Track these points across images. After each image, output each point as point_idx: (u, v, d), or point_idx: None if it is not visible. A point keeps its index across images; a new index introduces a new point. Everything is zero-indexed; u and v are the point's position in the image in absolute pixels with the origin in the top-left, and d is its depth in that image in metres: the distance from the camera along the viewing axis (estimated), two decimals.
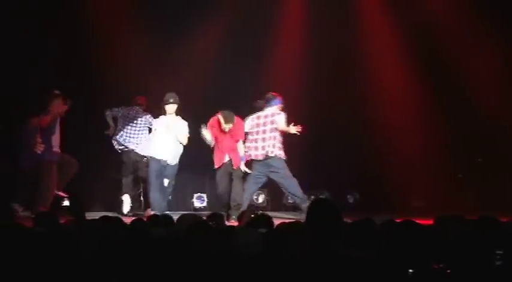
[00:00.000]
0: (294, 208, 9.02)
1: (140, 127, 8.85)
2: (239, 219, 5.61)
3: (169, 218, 5.03)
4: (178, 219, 4.69)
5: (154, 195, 8.25)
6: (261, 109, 8.46)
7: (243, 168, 8.33)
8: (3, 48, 8.89)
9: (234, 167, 8.31)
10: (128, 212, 8.67)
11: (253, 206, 9.25)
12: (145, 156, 8.62)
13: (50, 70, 9.13)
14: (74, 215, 5.62)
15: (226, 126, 8.16)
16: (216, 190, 8.48)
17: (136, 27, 9.67)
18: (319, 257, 3.09)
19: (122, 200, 8.77)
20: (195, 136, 8.52)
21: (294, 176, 8.37)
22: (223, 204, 8.34)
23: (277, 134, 8.31)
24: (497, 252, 3.33)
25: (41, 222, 4.74)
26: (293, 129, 8.24)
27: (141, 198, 8.89)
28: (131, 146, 8.83)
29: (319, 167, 10.02)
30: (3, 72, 8.86)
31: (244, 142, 8.41)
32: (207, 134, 8.28)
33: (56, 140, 8.38)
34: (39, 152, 8.21)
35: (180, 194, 9.58)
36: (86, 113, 8.91)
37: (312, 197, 9.01)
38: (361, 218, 4.00)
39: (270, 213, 5.96)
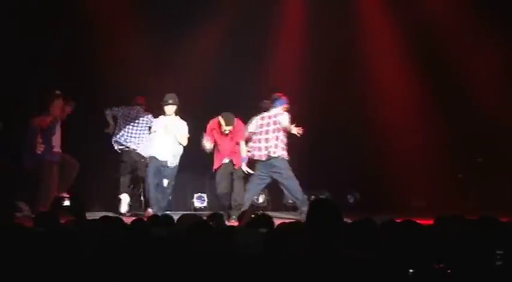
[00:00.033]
0: (294, 208, 9.01)
1: (142, 127, 8.84)
2: (239, 219, 5.61)
3: (170, 218, 5.03)
4: (179, 219, 4.69)
5: (152, 193, 8.26)
6: (266, 109, 8.46)
7: (245, 168, 8.33)
8: (3, 48, 8.89)
9: (236, 167, 8.32)
10: (126, 211, 8.65)
11: (253, 206, 9.24)
12: (145, 157, 8.62)
13: (50, 70, 9.13)
14: (74, 215, 5.62)
15: (227, 129, 8.17)
16: (216, 190, 8.48)
17: (137, 27, 9.68)
18: (320, 257, 3.09)
19: (120, 199, 8.74)
20: (195, 136, 8.52)
21: (294, 176, 8.36)
22: (223, 205, 8.34)
23: (280, 134, 8.30)
24: (498, 252, 3.34)
25: (41, 222, 4.74)
26: (294, 130, 8.24)
27: (142, 198, 8.88)
28: (132, 146, 8.82)
29: (320, 167, 10.02)
30: (3, 72, 8.86)
31: (247, 142, 8.41)
32: (207, 142, 8.29)
33: (56, 140, 8.39)
34: (39, 152, 8.21)
35: (181, 194, 9.58)
36: (86, 113, 8.90)
37: (312, 197, 9.02)
38: (362, 218, 4.00)
39: (270, 213, 5.97)
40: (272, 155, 8.28)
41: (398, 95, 10.22)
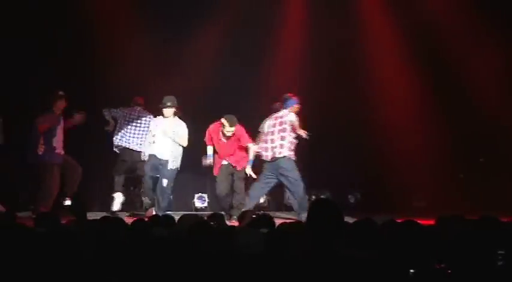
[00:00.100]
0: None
1: (144, 127, 8.81)
2: (240, 219, 5.60)
3: (171, 218, 5.03)
4: (180, 219, 4.69)
5: (148, 184, 8.30)
6: (278, 110, 8.45)
7: (249, 171, 8.34)
8: (3, 48, 8.89)
9: (238, 169, 8.33)
10: (118, 210, 8.61)
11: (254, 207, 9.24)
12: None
13: (50, 70, 9.13)
14: (75, 215, 5.62)
15: (230, 130, 8.19)
16: (216, 191, 8.49)
17: (137, 27, 9.67)
18: (320, 257, 3.09)
19: (114, 198, 8.71)
20: (195, 137, 8.51)
21: (301, 178, 8.33)
22: (223, 206, 8.34)
23: (287, 135, 8.28)
24: (499, 252, 3.33)
25: (42, 222, 4.74)
26: (301, 132, 8.24)
27: (142, 199, 8.86)
28: (134, 147, 8.78)
29: (320, 167, 10.02)
30: (3, 72, 8.86)
31: (256, 143, 8.43)
32: (209, 150, 8.37)
33: (57, 141, 8.37)
34: (40, 153, 8.22)
35: (181, 194, 9.57)
36: (86, 113, 8.88)
37: (313, 197, 9.02)
38: (362, 218, 4.00)
39: (271, 213, 5.97)
40: (277, 155, 8.27)
41: (399, 95, 10.23)
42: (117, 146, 8.86)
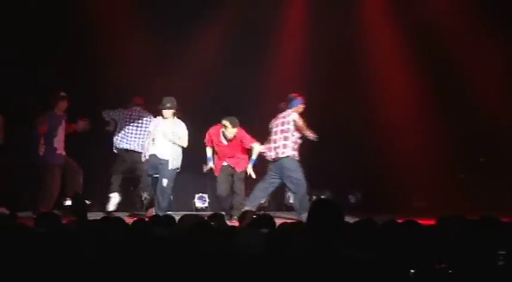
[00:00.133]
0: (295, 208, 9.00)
1: (145, 127, 8.78)
2: (240, 219, 5.60)
3: (171, 218, 5.03)
4: (180, 219, 4.69)
5: (146, 181, 8.31)
6: (283, 110, 8.44)
7: (250, 170, 8.33)
8: (4, 49, 8.89)
9: (238, 170, 8.32)
10: (113, 210, 8.55)
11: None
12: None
13: (50, 70, 9.13)
14: (76, 215, 5.63)
15: (233, 131, 8.18)
16: (216, 191, 8.49)
17: (138, 28, 9.66)
18: (321, 257, 3.09)
19: (110, 198, 8.67)
20: (195, 137, 8.51)
21: (304, 179, 8.32)
22: (224, 207, 8.34)
23: (290, 135, 8.28)
24: (500, 252, 3.33)
25: (43, 222, 4.74)
26: (308, 133, 8.23)
27: (141, 193, 8.85)
28: (136, 148, 8.75)
29: (321, 167, 10.01)
30: (4, 72, 8.86)
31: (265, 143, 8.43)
32: (208, 152, 8.38)
33: (58, 142, 8.37)
34: (41, 153, 8.23)
35: (182, 194, 9.57)
36: (87, 113, 8.88)
37: (314, 197, 9.01)
38: (363, 218, 4.00)
39: (271, 214, 5.97)
40: (280, 155, 8.28)
41: (400, 95, 10.22)
42: (117, 148, 8.83)
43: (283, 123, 8.34)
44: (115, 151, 8.85)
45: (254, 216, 5.15)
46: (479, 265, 3.29)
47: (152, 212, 8.11)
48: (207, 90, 9.73)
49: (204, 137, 8.51)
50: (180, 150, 8.39)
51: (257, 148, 8.33)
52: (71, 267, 3.22)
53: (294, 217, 8.21)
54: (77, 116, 8.62)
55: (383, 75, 10.27)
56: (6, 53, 8.90)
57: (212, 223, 4.55)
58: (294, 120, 8.25)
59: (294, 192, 8.38)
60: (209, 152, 8.48)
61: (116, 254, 3.48)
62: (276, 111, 8.59)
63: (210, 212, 6.78)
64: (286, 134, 8.28)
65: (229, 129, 8.22)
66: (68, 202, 8.34)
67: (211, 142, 8.44)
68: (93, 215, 6.79)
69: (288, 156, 8.26)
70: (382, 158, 10.00)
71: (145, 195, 8.36)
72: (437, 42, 10.08)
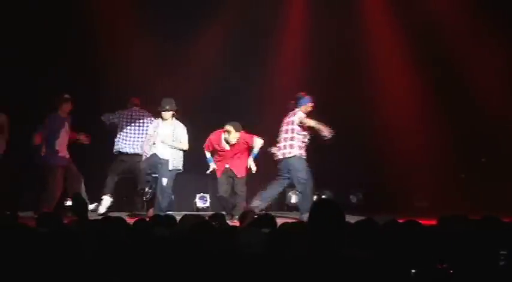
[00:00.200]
0: (297, 208, 9.00)
1: (145, 128, 8.77)
2: (241, 219, 5.60)
3: (172, 218, 5.02)
4: (181, 219, 4.69)
5: (143, 177, 8.29)
6: (292, 109, 8.43)
7: (251, 163, 8.30)
8: (4, 48, 8.90)
9: (238, 176, 8.31)
10: (103, 213, 8.44)
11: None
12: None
13: (51, 70, 9.14)
14: (76, 214, 5.63)
15: (236, 136, 8.16)
16: (217, 193, 8.48)
17: (139, 28, 9.67)
18: (322, 257, 3.09)
19: (101, 200, 8.56)
20: (196, 136, 8.51)
21: (310, 179, 8.31)
22: (224, 207, 8.34)
23: (296, 134, 8.27)
24: (501, 252, 3.33)
25: (44, 222, 4.74)
26: (323, 129, 8.19)
27: (144, 199, 8.85)
28: (138, 151, 8.71)
29: (322, 167, 10.00)
30: (4, 72, 8.87)
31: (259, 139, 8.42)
32: (208, 154, 8.36)
33: (60, 144, 8.35)
34: (42, 154, 8.25)
35: (183, 194, 9.57)
36: (87, 114, 8.88)
37: (315, 197, 9.00)
38: (364, 218, 4.00)
39: (272, 213, 5.96)
40: (287, 155, 8.27)
41: (401, 95, 10.22)
42: (119, 152, 8.80)
43: (288, 123, 8.34)
44: (115, 153, 8.83)
45: (255, 216, 5.15)
46: (480, 265, 3.28)
47: (153, 212, 8.10)
48: (207, 90, 9.73)
49: (205, 136, 8.48)
50: (181, 152, 8.38)
51: (259, 142, 8.31)
52: (72, 267, 3.22)
53: (295, 217, 8.21)
54: (77, 116, 8.61)
55: (384, 75, 10.26)
56: (7, 53, 8.91)
57: (213, 223, 4.54)
58: (301, 119, 8.23)
59: (300, 192, 8.37)
60: (208, 153, 8.46)
61: (117, 253, 3.48)
62: (282, 111, 8.57)
63: (211, 212, 6.77)
64: (293, 134, 8.28)
65: (233, 134, 8.21)
66: (69, 202, 8.35)
67: (212, 148, 8.40)
68: (93, 215, 6.79)
69: (294, 156, 8.26)
70: (383, 158, 10.00)
71: (146, 189, 8.32)
72: (438, 42, 10.07)
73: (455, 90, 10.14)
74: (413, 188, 10.16)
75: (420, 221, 3.86)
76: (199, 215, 7.58)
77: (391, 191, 9.72)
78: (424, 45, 10.13)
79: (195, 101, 9.37)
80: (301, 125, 8.26)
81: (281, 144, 8.35)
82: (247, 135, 8.35)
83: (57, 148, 8.33)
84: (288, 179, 8.35)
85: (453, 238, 3.61)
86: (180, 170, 8.39)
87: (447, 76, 10.18)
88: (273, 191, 8.46)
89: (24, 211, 7.66)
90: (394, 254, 3.40)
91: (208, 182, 9.63)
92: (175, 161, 8.32)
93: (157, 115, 8.49)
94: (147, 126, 8.73)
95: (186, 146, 8.36)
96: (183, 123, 8.42)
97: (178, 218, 4.85)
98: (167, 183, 8.22)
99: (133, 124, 8.81)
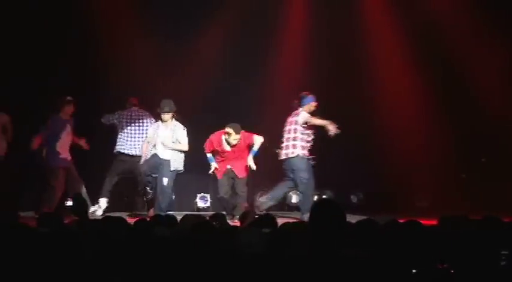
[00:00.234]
0: (298, 208, 9.00)
1: (145, 128, 8.76)
2: (241, 219, 5.61)
3: (173, 218, 5.03)
4: (182, 219, 4.69)
5: (144, 179, 8.29)
6: (295, 109, 8.42)
7: (250, 161, 8.29)
8: (4, 48, 8.90)
9: (239, 177, 8.31)
10: (100, 215, 8.32)
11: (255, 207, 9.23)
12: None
13: (52, 70, 9.14)
14: (77, 214, 5.63)
15: (237, 138, 8.16)
16: (218, 193, 8.48)
17: (139, 28, 9.67)
18: (322, 257, 3.09)
19: (98, 202, 8.54)
20: (196, 136, 8.50)
21: (311, 179, 8.31)
22: (225, 207, 8.34)
23: (299, 134, 8.27)
24: (502, 252, 3.33)
25: (45, 222, 4.74)
26: (329, 126, 8.16)
27: (144, 199, 8.85)
28: (138, 153, 8.69)
29: (322, 166, 10.00)
30: (5, 73, 8.87)
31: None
32: (208, 154, 8.35)
33: (62, 146, 8.35)
34: (43, 155, 8.26)
35: (184, 194, 9.57)
36: (88, 114, 8.88)
37: (316, 197, 9.01)
38: (365, 218, 4.00)
39: (273, 213, 5.96)
40: (290, 155, 8.27)
41: (402, 95, 10.21)
42: (119, 152, 8.79)
43: (291, 123, 8.33)
44: (115, 152, 8.82)
45: (256, 216, 5.15)
46: (481, 265, 3.28)
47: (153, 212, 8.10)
48: (207, 89, 9.73)
49: (205, 136, 8.48)
50: (182, 154, 8.37)
51: (259, 140, 8.30)
52: (73, 267, 3.22)
53: (296, 217, 8.21)
54: (78, 116, 8.60)
55: (384, 75, 10.26)
56: (7, 53, 8.91)
57: (214, 223, 4.55)
58: (304, 118, 8.22)
59: (301, 192, 8.37)
60: (209, 153, 8.45)
61: (118, 253, 3.48)
62: (282, 111, 8.56)
63: (212, 212, 6.77)
64: (296, 134, 8.27)
65: (233, 136, 8.20)
66: (70, 203, 8.35)
67: (212, 148, 8.39)
68: (94, 215, 6.79)
69: (297, 156, 8.25)
70: (384, 158, 10.00)
71: (147, 189, 8.32)
72: (438, 42, 10.07)
73: (455, 90, 10.14)
74: (414, 188, 10.16)
75: (421, 221, 3.86)
76: (200, 215, 7.59)
77: (392, 191, 9.73)
78: (424, 45, 10.13)
79: (195, 100, 9.37)
80: (306, 124, 8.25)
81: (284, 144, 8.35)
82: (247, 134, 8.35)
83: (58, 150, 8.33)
84: (293, 180, 8.34)
85: (454, 238, 3.61)
86: (180, 170, 8.39)
87: (448, 76, 10.18)
88: (279, 191, 8.47)
89: (25, 211, 7.66)
90: (395, 254, 3.40)
91: (209, 182, 9.62)
92: (175, 162, 8.31)
93: (157, 117, 8.48)
94: (147, 126, 8.72)
95: (186, 147, 8.35)
96: (183, 123, 8.41)
97: (179, 218, 4.85)
98: (167, 183, 8.22)
99: (133, 124, 8.81)
